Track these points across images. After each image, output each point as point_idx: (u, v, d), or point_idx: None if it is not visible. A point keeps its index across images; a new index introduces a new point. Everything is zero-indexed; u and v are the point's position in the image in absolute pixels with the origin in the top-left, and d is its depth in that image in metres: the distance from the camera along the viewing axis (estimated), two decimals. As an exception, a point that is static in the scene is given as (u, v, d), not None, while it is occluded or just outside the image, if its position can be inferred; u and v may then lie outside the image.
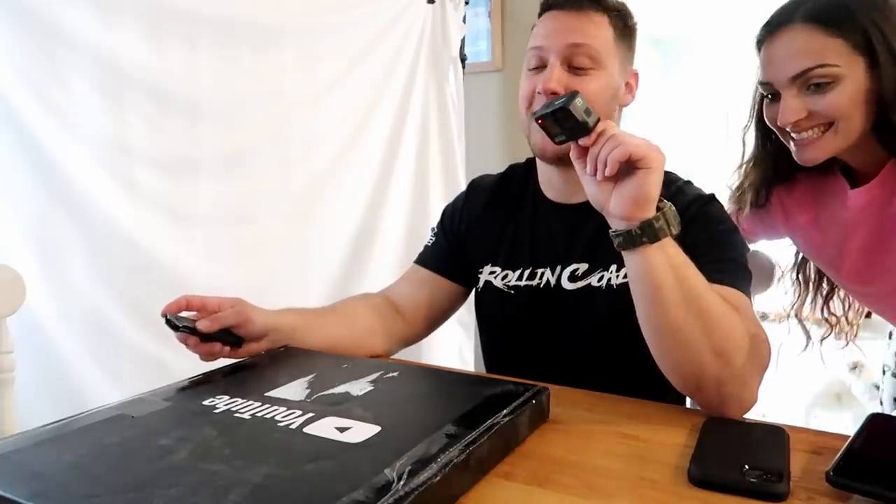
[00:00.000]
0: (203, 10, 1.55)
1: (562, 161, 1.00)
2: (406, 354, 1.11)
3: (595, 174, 0.75)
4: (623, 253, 0.76)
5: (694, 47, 5.40)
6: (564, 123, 0.75)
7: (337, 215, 1.86)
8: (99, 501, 0.51)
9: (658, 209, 0.74)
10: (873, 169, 1.00)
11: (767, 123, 1.04)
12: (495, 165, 1.22)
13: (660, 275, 0.74)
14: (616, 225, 0.76)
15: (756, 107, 1.11)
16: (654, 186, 0.73)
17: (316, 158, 1.81)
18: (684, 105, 5.35)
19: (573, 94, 0.74)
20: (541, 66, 0.98)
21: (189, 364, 1.49)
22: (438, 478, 0.55)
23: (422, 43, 2.07)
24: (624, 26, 1.01)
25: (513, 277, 1.05)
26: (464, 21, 2.21)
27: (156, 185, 1.49)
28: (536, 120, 0.78)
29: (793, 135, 0.97)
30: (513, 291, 1.05)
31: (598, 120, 0.75)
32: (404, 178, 2.05)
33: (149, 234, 1.49)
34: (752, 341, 0.77)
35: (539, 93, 0.96)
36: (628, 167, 0.73)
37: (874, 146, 0.96)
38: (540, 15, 1.03)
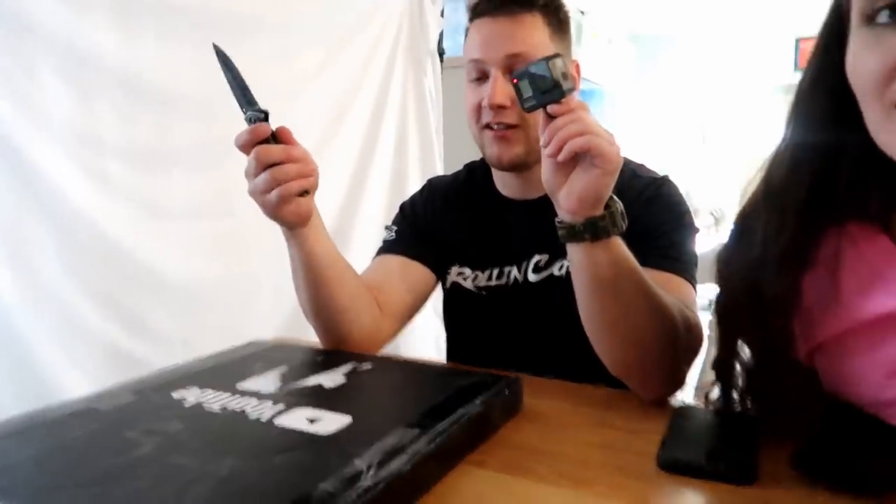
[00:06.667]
0: (175, -1, 1.53)
1: (516, 168, 1.01)
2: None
3: (549, 148, 0.71)
4: (566, 245, 0.76)
5: (672, 43, 5.46)
6: (539, 85, 0.71)
7: (314, 209, 1.85)
8: (61, 495, 0.50)
9: (607, 207, 0.73)
10: None
11: (852, 82, 0.56)
12: (474, 160, 1.21)
13: (598, 271, 0.74)
14: (562, 216, 0.75)
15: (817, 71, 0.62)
16: (606, 188, 0.71)
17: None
18: (661, 100, 5.41)
19: (555, 54, 0.72)
20: (482, 77, 0.98)
21: (162, 357, 1.49)
22: (408, 467, 0.55)
23: (399, 36, 2.06)
24: (558, 21, 0.99)
25: (482, 278, 1.05)
26: (442, 15, 2.20)
27: (129, 178, 1.48)
28: (511, 80, 0.75)
29: None
30: (484, 293, 1.06)
31: (573, 89, 0.72)
32: (382, 172, 2.04)
33: (122, 227, 1.47)
34: (685, 333, 0.79)
35: (485, 107, 0.97)
36: (585, 161, 0.70)
37: None
38: (471, 19, 1.01)
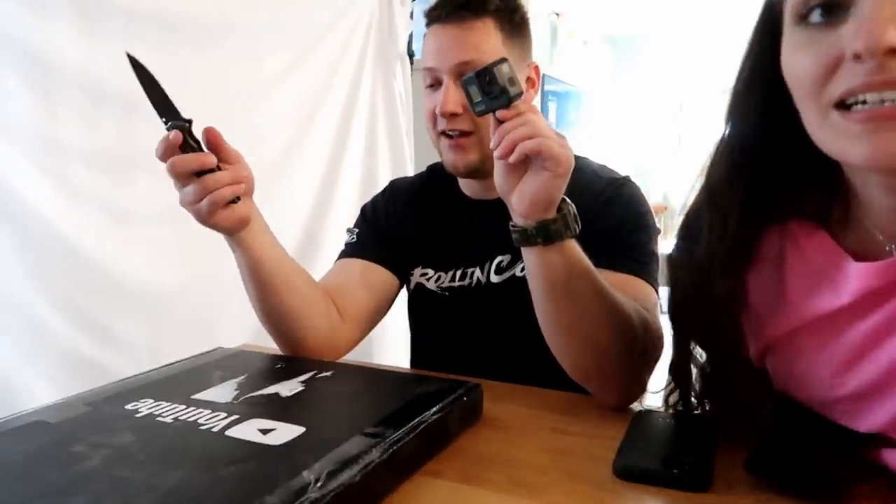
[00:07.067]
0: (140, 2, 1.51)
1: (472, 175, 1.02)
2: (356, 353, 1.07)
3: (499, 150, 0.70)
4: (520, 248, 0.75)
5: (648, 44, 5.51)
6: (487, 89, 0.72)
7: (283, 213, 1.83)
8: (-2, 513, 0.49)
9: (559, 210, 0.72)
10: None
11: (788, 82, 0.55)
12: (438, 161, 1.20)
13: (552, 274, 0.73)
14: (515, 219, 0.74)
15: (751, 69, 0.61)
16: (557, 191, 0.71)
17: (260, 156, 1.77)
18: (638, 100, 5.45)
19: (501, 60, 0.71)
20: (436, 84, 0.99)
21: (129, 365, 1.46)
22: (358, 478, 0.54)
23: (368, 38, 2.05)
24: (512, 24, 0.99)
25: (445, 279, 1.05)
26: (411, 17, 2.20)
27: (92, 183, 1.45)
28: (462, 84, 0.74)
29: (863, 97, 0.48)
30: (447, 293, 1.06)
31: (521, 94, 0.71)
32: (351, 176, 2.02)
33: (86, 232, 1.44)
34: (644, 336, 0.79)
35: (439, 114, 0.97)
36: (536, 164, 0.70)
37: None
38: (426, 26, 1.01)
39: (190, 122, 0.78)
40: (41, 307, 1.38)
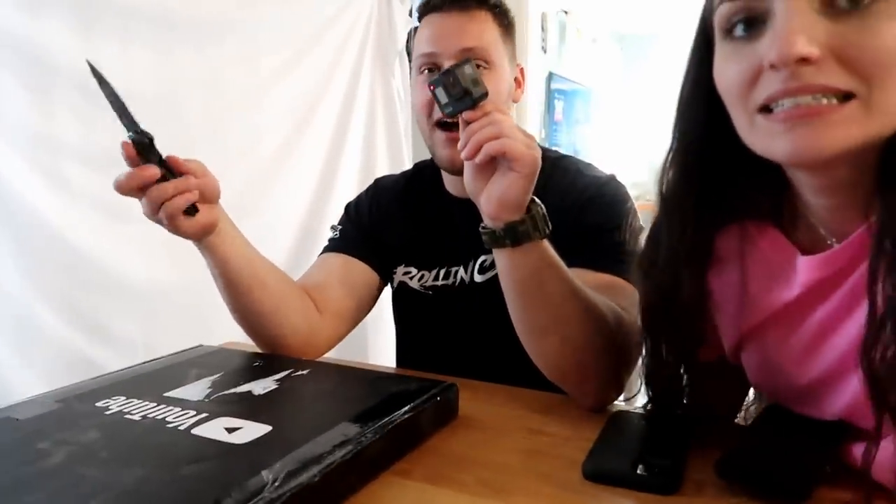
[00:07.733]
0: (137, 0, 1.51)
1: None
2: (349, 352, 1.05)
3: (465, 151, 0.70)
4: (492, 251, 0.75)
5: (657, 42, 5.46)
6: (452, 91, 0.71)
7: (281, 212, 1.84)
8: (-50, 510, 0.49)
9: (528, 211, 0.71)
10: (838, 226, 0.58)
11: (720, 91, 0.58)
12: (424, 159, 1.19)
13: (522, 276, 0.72)
14: (485, 220, 0.73)
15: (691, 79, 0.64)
16: (524, 192, 0.70)
17: (258, 154, 1.78)
18: (647, 99, 5.41)
19: (465, 60, 0.72)
20: (434, 72, 0.98)
21: (124, 362, 1.46)
22: (318, 479, 0.53)
23: (367, 36, 2.05)
24: (507, 23, 1.01)
25: (429, 278, 1.05)
26: (410, 14, 2.19)
27: (88, 182, 1.45)
28: (428, 86, 0.74)
29: (782, 102, 0.50)
30: (430, 292, 1.05)
31: (486, 95, 0.71)
32: (349, 174, 2.02)
33: (82, 231, 1.45)
34: (621, 336, 0.77)
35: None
36: (503, 165, 0.69)
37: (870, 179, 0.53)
38: (421, 16, 1.01)
39: (151, 137, 0.79)
40: (37, 305, 1.38)
